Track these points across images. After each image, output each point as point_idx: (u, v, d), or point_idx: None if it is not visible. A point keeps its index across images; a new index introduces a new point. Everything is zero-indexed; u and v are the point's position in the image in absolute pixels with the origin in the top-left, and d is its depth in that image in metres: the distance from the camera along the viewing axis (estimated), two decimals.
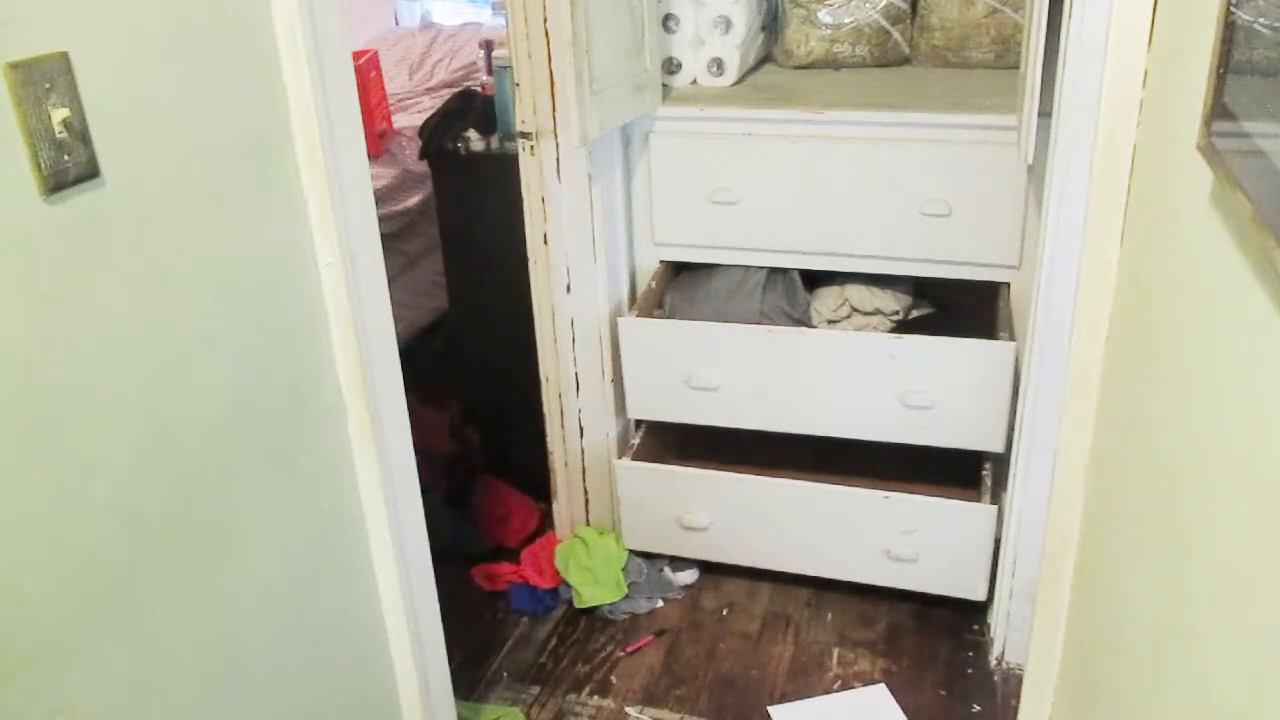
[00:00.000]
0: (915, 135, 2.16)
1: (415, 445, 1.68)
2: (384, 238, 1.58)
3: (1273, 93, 0.80)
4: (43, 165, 1.02)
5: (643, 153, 2.36)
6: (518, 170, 2.26)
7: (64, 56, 1.04)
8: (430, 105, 3.52)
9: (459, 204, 2.64)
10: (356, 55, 3.15)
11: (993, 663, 2.25)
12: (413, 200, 3.31)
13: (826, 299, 2.38)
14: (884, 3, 2.54)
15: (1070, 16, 1.65)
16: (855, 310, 2.35)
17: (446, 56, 4.00)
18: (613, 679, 2.26)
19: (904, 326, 2.34)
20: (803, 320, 2.34)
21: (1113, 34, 1.40)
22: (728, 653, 2.32)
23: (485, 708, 2.18)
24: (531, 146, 2.21)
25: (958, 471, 2.36)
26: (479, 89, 2.82)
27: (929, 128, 2.15)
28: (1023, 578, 2.13)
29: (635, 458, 2.46)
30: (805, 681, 2.23)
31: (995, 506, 2.19)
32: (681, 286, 2.45)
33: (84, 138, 1.06)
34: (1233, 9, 0.89)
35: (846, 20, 2.55)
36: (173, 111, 1.19)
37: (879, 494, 2.25)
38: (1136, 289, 1.35)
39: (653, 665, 2.29)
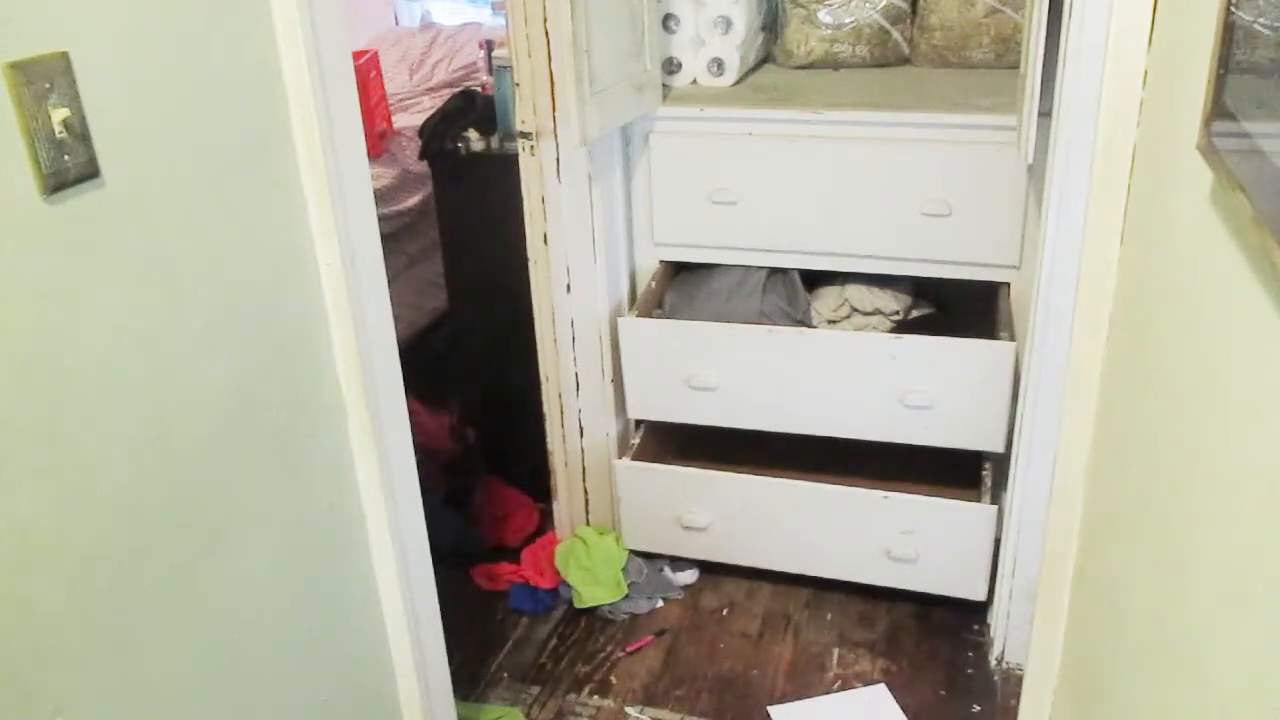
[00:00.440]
0: (915, 135, 2.16)
1: (415, 445, 1.68)
2: (384, 238, 1.58)
3: (1273, 93, 0.80)
4: (43, 165, 1.02)
5: (643, 153, 2.36)
6: (518, 170, 2.26)
7: (64, 56, 1.04)
8: (430, 105, 3.52)
9: (459, 204, 2.64)
10: (356, 55, 3.15)
11: (993, 663, 2.25)
12: (413, 200, 3.31)
13: (826, 299, 2.38)
14: (884, 3, 2.54)
15: (1070, 16, 1.65)
16: (855, 310, 2.35)
17: (446, 56, 4.00)
18: (613, 679, 2.26)
19: (904, 326, 2.34)
20: (803, 320, 2.34)
21: (1113, 34, 1.40)
22: (728, 653, 2.32)
23: (485, 708, 2.18)
24: (531, 146, 2.21)
25: (958, 471, 2.36)
26: (479, 89, 2.82)
27: (929, 128, 2.15)
28: (1023, 578, 2.13)
29: (635, 458, 2.46)
30: (805, 681, 2.23)
31: (995, 506, 2.19)
32: (681, 286, 2.45)
33: (84, 138, 1.06)
34: (1233, 9, 0.89)
35: (846, 20, 2.55)
36: (173, 111, 1.19)
37: (879, 494, 2.25)
38: (1136, 289, 1.35)
39: (653, 665, 2.29)
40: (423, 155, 2.68)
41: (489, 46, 2.82)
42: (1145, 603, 1.17)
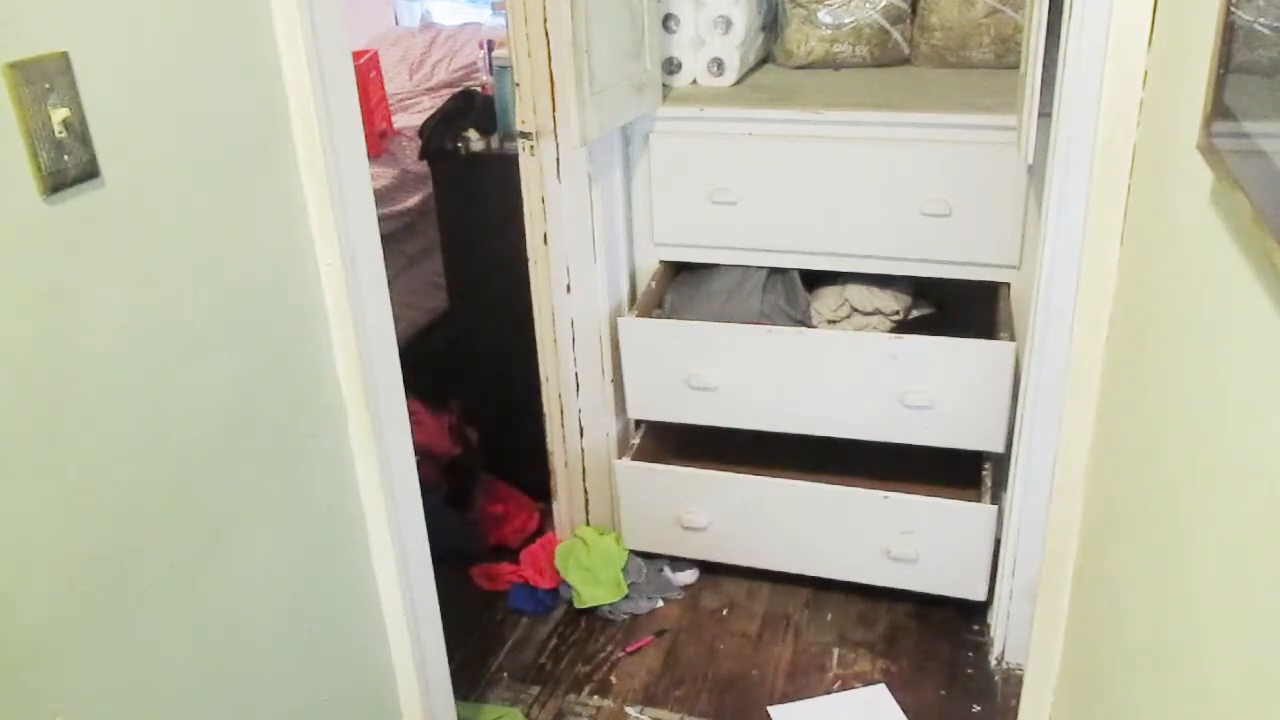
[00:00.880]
0: (915, 135, 2.16)
1: (415, 445, 1.68)
2: (384, 238, 1.58)
3: (1273, 93, 0.80)
4: (43, 165, 1.02)
5: (643, 153, 2.36)
6: (518, 170, 2.26)
7: (64, 56, 1.04)
8: (430, 105, 3.52)
9: (459, 204, 2.63)
10: (356, 55, 3.15)
11: (993, 663, 2.25)
12: (413, 200, 3.31)
13: (826, 299, 2.38)
14: (884, 3, 2.54)
15: (1070, 16, 1.65)
16: (855, 310, 2.35)
17: (446, 56, 4.00)
18: (613, 679, 2.26)
19: (904, 326, 2.34)
20: (803, 320, 2.34)
21: (1113, 34, 1.40)
22: (728, 653, 2.32)
23: (485, 708, 2.18)
24: (531, 146, 2.21)
25: (958, 471, 2.36)
26: (479, 89, 2.82)
27: (929, 128, 2.15)
28: (1023, 578, 2.13)
29: (635, 458, 2.46)
30: (805, 681, 2.23)
31: (995, 506, 2.19)
32: (681, 286, 2.45)
33: (84, 138, 1.06)
34: (1233, 9, 0.89)
35: (846, 20, 2.55)
36: (173, 111, 1.19)
37: (879, 494, 2.25)
38: (1136, 289, 1.35)
39: (653, 665, 2.29)
40: (423, 155, 2.67)
41: (489, 46, 2.82)
42: (1145, 603, 1.17)
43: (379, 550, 1.65)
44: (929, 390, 2.16)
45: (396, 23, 4.72)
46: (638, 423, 2.55)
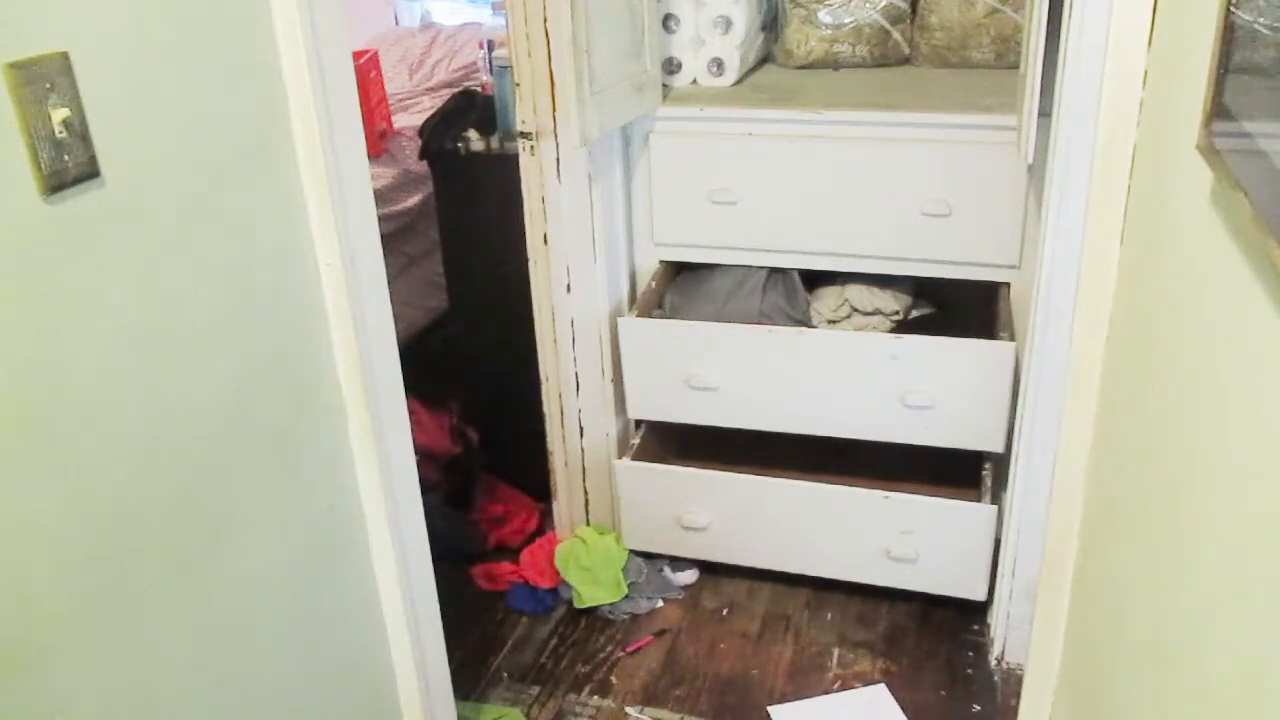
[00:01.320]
0: (915, 135, 2.16)
1: (415, 445, 1.68)
2: (384, 238, 1.58)
3: (1273, 93, 0.80)
4: (43, 165, 1.02)
5: (643, 153, 2.36)
6: (518, 170, 2.26)
7: (64, 56, 1.04)
8: (430, 105, 3.52)
9: (459, 204, 2.63)
10: (356, 55, 3.15)
11: (993, 663, 2.25)
12: (413, 200, 3.31)
13: (826, 299, 2.38)
14: (884, 3, 2.54)
15: (1070, 16, 1.65)
16: (855, 310, 2.35)
17: (446, 56, 4.00)
18: (613, 679, 2.26)
19: (904, 326, 2.34)
20: (803, 320, 2.34)
21: (1113, 34, 1.40)
22: (728, 653, 2.32)
23: (485, 708, 2.18)
24: (531, 146, 2.21)
25: (958, 471, 2.36)
26: (479, 89, 2.82)
27: (929, 128, 2.15)
28: (1023, 578, 2.13)
29: (635, 458, 2.46)
30: (805, 681, 2.23)
31: (995, 506, 2.19)
32: (681, 286, 2.45)
33: (84, 138, 1.06)
34: (1233, 9, 0.89)
35: (846, 20, 2.55)
36: (173, 111, 1.19)
37: (879, 494, 2.25)
38: (1136, 289, 1.35)
39: (653, 665, 2.29)
40: (423, 155, 2.67)
41: (489, 46, 2.82)
42: (1145, 603, 1.17)
43: (379, 550, 1.65)
44: (929, 390, 2.16)
45: (396, 23, 4.72)
46: (638, 423, 2.55)
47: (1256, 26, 0.84)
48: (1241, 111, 0.86)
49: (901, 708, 2.14)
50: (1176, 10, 1.25)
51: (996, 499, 2.25)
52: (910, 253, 2.23)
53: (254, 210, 1.33)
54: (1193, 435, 1.03)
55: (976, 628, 2.35)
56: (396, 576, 1.66)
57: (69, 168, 1.05)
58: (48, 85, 1.02)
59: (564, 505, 2.57)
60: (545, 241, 2.30)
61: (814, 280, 2.41)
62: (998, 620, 2.25)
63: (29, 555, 1.06)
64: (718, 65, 2.46)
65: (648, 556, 2.53)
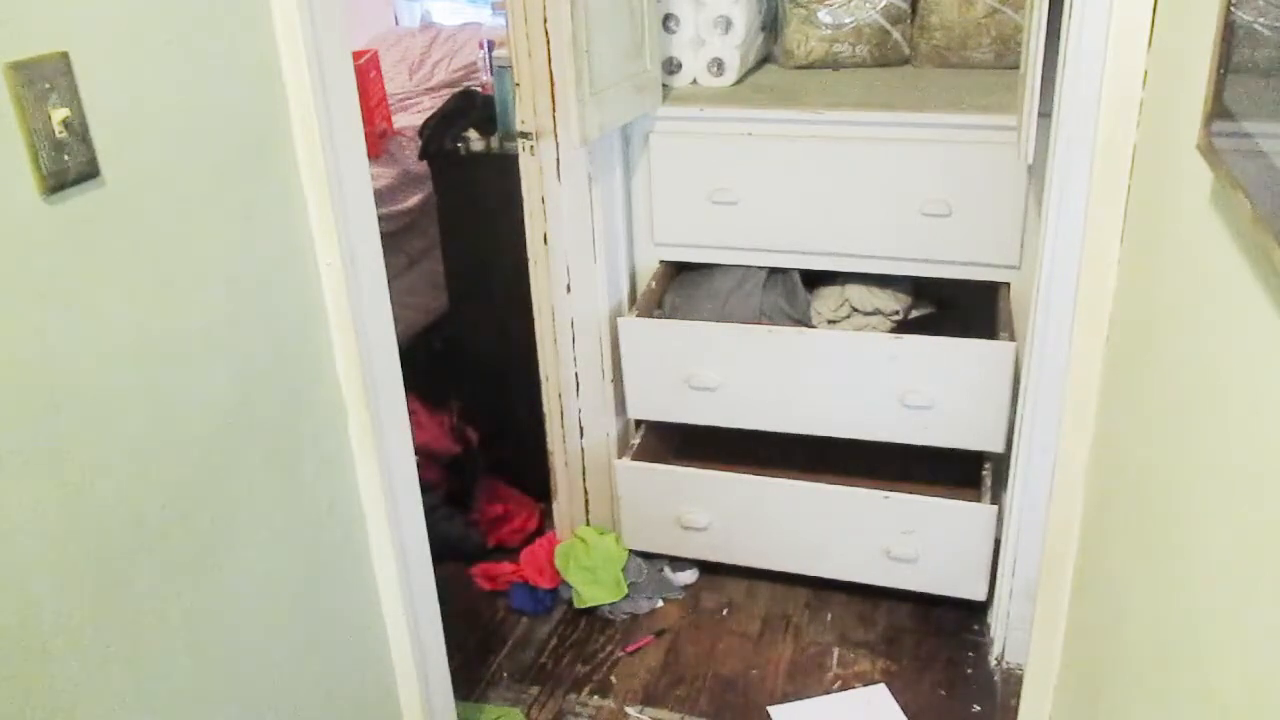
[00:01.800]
0: (915, 135, 2.16)
1: (415, 445, 1.68)
2: (384, 238, 1.58)
3: (1273, 93, 0.80)
4: (43, 165, 1.02)
5: (643, 153, 2.36)
6: (518, 170, 2.26)
7: (64, 56, 1.04)
8: (430, 105, 3.52)
9: (459, 204, 2.64)
10: (356, 55, 3.15)
11: (993, 663, 2.25)
12: (413, 200, 3.31)
13: (826, 299, 2.38)
14: (884, 3, 2.54)
15: (1070, 16, 1.65)
16: (855, 310, 2.35)
17: (446, 56, 4.00)
18: (613, 679, 2.26)
19: (904, 326, 2.34)
20: (803, 320, 2.34)
21: (1113, 34, 1.40)
22: (728, 653, 2.32)
23: (485, 708, 2.18)
24: (531, 146, 2.21)
25: (958, 471, 2.36)
26: (479, 89, 2.82)
27: (929, 128, 2.15)
28: (1023, 578, 2.13)
29: (635, 458, 2.46)
30: (805, 681, 2.23)
31: (995, 506, 2.19)
32: (681, 286, 2.45)
33: (84, 138, 1.06)
34: (1233, 9, 0.89)
35: (846, 20, 2.55)
36: (173, 111, 1.19)
37: (879, 494, 2.25)
38: (1136, 289, 1.35)
39: (653, 665, 2.29)
40: (423, 155, 2.67)
41: (489, 46, 2.82)
42: (1145, 603, 1.17)
43: (379, 550, 1.65)
44: (929, 390, 2.16)
45: (396, 23, 4.72)
46: (638, 423, 2.55)
47: (1256, 26, 0.84)
48: (1241, 111, 0.86)
49: (901, 708, 2.14)
50: (1176, 10, 1.25)
51: (996, 499, 2.25)
52: (910, 253, 2.23)
53: (254, 210, 1.33)
54: (1192, 435, 1.03)
55: (976, 628, 2.35)
56: (396, 576, 1.66)
57: (69, 168, 1.05)
58: (48, 85, 1.02)
59: (564, 505, 2.57)
60: (545, 241, 2.30)
61: (814, 280, 2.41)
62: (998, 620, 2.25)
63: (29, 555, 1.06)
64: (718, 65, 2.46)
65: (647, 556, 2.53)
